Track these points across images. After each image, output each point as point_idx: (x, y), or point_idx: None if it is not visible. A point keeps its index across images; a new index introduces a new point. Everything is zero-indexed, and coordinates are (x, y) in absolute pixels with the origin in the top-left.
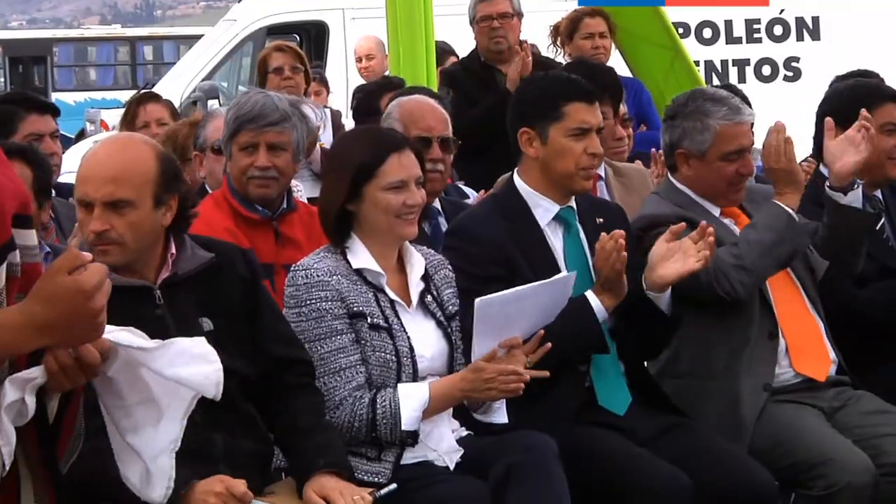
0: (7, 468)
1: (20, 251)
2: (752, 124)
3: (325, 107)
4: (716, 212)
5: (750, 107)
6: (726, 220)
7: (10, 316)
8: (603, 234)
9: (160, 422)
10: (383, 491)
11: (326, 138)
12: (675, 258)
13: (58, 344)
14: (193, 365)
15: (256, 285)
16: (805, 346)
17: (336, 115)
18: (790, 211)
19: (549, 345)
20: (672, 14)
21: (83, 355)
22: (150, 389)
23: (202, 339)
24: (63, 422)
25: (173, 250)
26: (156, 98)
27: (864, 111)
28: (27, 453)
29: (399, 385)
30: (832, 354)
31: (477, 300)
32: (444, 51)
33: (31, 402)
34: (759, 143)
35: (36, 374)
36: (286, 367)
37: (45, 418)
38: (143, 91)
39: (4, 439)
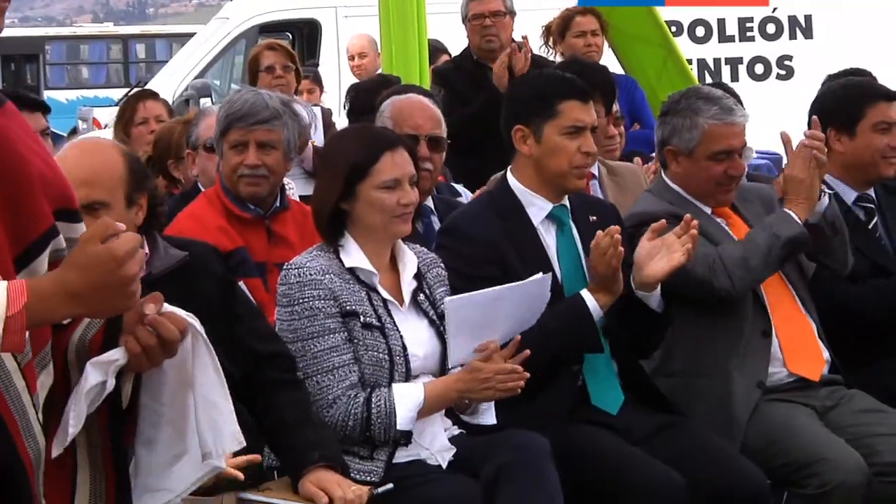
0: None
1: (68, 244)
2: (745, 123)
3: (315, 105)
4: (707, 210)
5: (742, 106)
6: (718, 219)
7: (41, 283)
8: (598, 231)
9: (179, 460)
10: (381, 489)
11: (317, 137)
12: (661, 255)
13: (90, 314)
14: (214, 431)
15: (232, 284)
16: (798, 345)
17: (326, 114)
18: (800, 223)
19: (528, 352)
20: (665, 12)
21: (162, 330)
22: (187, 417)
23: (240, 441)
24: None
25: (146, 250)
26: (154, 95)
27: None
28: (90, 434)
29: (393, 385)
30: (825, 354)
31: (446, 300)
32: (436, 49)
33: (111, 384)
34: (751, 142)
35: (117, 355)
36: (268, 363)
37: (115, 400)
38: (138, 88)
39: (75, 420)
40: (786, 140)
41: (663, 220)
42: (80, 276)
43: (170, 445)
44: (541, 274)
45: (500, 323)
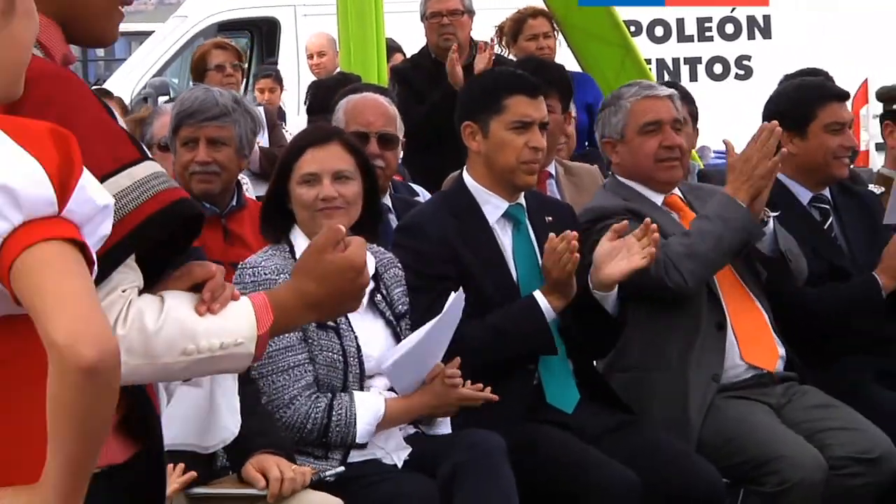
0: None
1: None
2: (672, 98)
3: (259, 104)
4: (659, 202)
5: (694, 104)
6: (672, 213)
7: (282, 297)
8: (552, 234)
9: None
10: (329, 472)
11: (262, 137)
12: (621, 256)
13: (321, 319)
14: (233, 412)
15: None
16: (753, 336)
17: (271, 114)
18: (743, 205)
19: (458, 360)
20: (623, 12)
21: None
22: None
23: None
24: None
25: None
26: (108, 94)
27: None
28: None
29: (356, 393)
30: (780, 348)
31: (383, 367)
32: (390, 48)
33: None
34: (705, 141)
35: None
36: None
37: None
38: (95, 87)
39: (161, 397)
40: (729, 149)
41: (626, 222)
42: (321, 287)
43: None
44: (453, 294)
45: (433, 354)
